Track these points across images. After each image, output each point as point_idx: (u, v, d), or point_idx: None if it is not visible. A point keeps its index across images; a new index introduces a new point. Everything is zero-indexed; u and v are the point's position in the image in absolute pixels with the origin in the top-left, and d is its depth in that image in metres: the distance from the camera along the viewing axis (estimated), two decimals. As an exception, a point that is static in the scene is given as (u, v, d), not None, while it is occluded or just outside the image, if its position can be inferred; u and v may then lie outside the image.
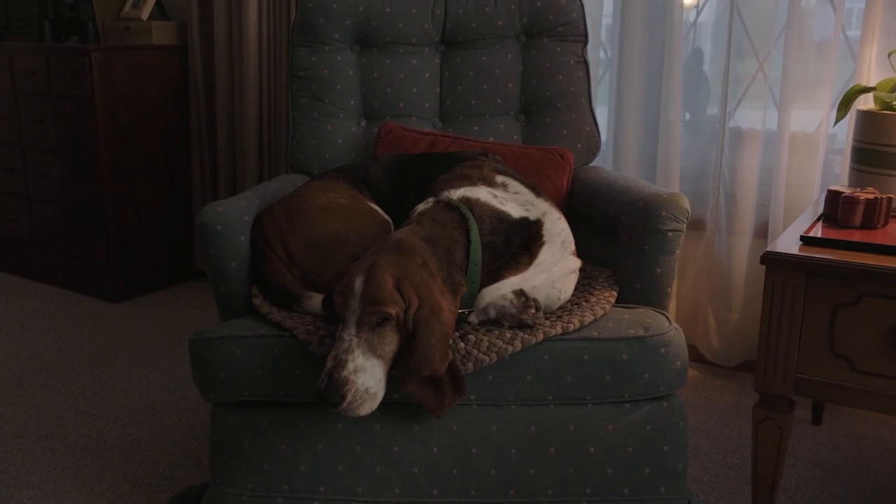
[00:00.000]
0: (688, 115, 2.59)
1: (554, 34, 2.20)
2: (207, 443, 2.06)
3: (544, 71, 2.19)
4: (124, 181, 3.15)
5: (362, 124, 2.23)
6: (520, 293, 1.48)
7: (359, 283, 1.32)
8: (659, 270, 1.63)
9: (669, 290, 1.66)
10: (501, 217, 1.51)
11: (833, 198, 1.65)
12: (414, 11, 2.21)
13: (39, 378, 2.50)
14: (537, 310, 1.49)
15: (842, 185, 1.72)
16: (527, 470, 1.50)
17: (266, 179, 3.08)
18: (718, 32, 2.49)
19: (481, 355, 1.42)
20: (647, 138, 2.56)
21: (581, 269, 1.65)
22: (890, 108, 1.74)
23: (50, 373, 2.54)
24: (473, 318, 1.50)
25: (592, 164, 2.20)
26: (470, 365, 1.41)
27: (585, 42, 2.22)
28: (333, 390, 1.28)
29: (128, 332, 2.88)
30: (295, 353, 1.48)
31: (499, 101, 2.21)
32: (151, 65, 3.18)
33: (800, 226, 1.61)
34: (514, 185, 1.63)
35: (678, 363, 1.50)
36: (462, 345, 1.43)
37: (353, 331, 1.31)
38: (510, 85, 2.21)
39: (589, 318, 1.51)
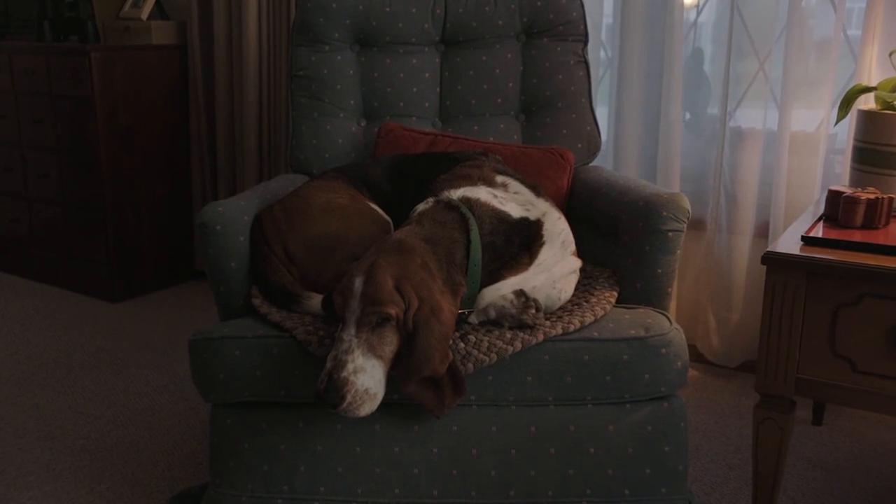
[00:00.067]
0: (688, 115, 2.58)
1: (554, 34, 2.20)
2: (207, 443, 2.06)
3: (544, 70, 2.19)
4: (124, 181, 3.15)
5: (362, 124, 2.23)
6: (520, 293, 1.48)
7: (358, 283, 1.31)
8: (659, 270, 1.63)
9: (670, 290, 1.66)
10: (501, 217, 1.51)
11: (834, 198, 1.65)
12: (414, 11, 2.21)
13: (39, 378, 2.50)
14: (537, 310, 1.48)
15: (843, 185, 1.72)
16: (527, 470, 1.50)
17: (266, 179, 3.08)
18: (719, 32, 2.49)
19: (481, 356, 1.41)
20: (647, 138, 2.55)
21: (581, 270, 1.65)
22: (891, 107, 1.74)
23: (49, 373, 2.54)
24: (473, 319, 1.50)
25: (593, 163, 2.20)
26: (470, 365, 1.41)
27: (586, 42, 2.22)
28: (333, 391, 1.28)
29: (127, 333, 2.88)
30: (294, 353, 1.48)
31: (499, 100, 2.21)
32: (151, 65, 3.18)
33: (800, 226, 1.61)
34: (515, 185, 1.63)
35: (679, 363, 1.50)
36: (462, 345, 1.43)
37: (352, 331, 1.31)
38: (510, 84, 2.21)
39: (589, 318, 1.51)
